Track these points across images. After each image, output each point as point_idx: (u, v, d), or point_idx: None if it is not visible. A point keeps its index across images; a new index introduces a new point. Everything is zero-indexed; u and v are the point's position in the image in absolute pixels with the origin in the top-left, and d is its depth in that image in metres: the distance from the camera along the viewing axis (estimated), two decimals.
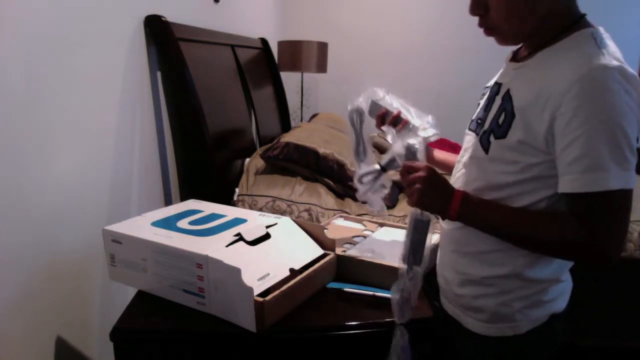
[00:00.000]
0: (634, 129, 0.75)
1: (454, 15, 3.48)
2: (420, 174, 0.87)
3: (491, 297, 0.91)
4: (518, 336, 0.90)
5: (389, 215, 1.75)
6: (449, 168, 1.09)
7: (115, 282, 1.10)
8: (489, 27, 0.87)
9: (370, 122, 1.13)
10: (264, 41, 2.86)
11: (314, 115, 3.00)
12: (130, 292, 1.07)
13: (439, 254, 1.04)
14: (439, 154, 1.16)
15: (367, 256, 1.13)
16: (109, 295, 1.33)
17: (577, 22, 0.83)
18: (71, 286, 1.18)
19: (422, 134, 0.98)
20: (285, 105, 2.97)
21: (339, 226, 1.39)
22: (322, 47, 3.12)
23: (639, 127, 0.76)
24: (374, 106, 1.10)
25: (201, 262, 0.93)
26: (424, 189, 0.86)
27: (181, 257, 0.95)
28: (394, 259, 1.11)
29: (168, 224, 1.09)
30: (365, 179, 1.07)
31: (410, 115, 1.05)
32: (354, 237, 1.29)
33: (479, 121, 0.94)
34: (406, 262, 0.94)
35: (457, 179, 0.97)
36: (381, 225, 1.39)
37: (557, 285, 0.91)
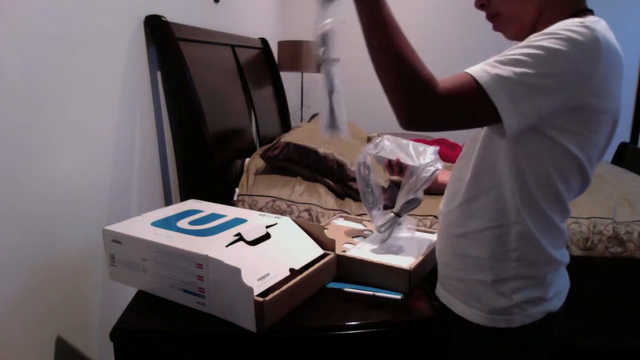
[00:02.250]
0: (560, 76, 0.73)
1: (454, 15, 3.49)
2: None
3: (489, 285, 0.90)
4: (512, 329, 0.89)
5: None
6: None
7: (115, 282, 1.10)
8: (493, 16, 0.89)
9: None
10: (264, 41, 2.86)
11: (314, 115, 2.99)
12: (130, 292, 1.07)
13: (437, 239, 1.04)
14: (445, 177, 1.15)
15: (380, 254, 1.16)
16: (109, 295, 1.33)
17: (580, 12, 0.82)
18: (71, 286, 1.18)
19: (424, 175, 1.11)
20: (285, 105, 2.97)
21: (339, 226, 1.39)
22: None
23: (570, 87, 0.74)
24: (378, 159, 1.20)
25: (201, 262, 0.92)
26: None
27: (181, 257, 0.95)
28: (393, 259, 1.11)
29: (168, 224, 1.09)
30: (384, 228, 1.16)
31: (410, 157, 1.14)
32: (354, 237, 1.29)
33: None
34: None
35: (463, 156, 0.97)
36: None
37: (555, 272, 0.91)
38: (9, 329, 0.97)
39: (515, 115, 0.74)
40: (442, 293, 1.00)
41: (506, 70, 0.74)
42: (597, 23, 0.77)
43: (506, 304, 0.89)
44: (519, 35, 0.89)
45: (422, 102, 0.76)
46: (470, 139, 0.97)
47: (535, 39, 0.75)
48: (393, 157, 1.17)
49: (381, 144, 1.20)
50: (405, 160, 1.15)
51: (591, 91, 0.75)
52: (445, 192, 1.01)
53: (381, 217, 1.17)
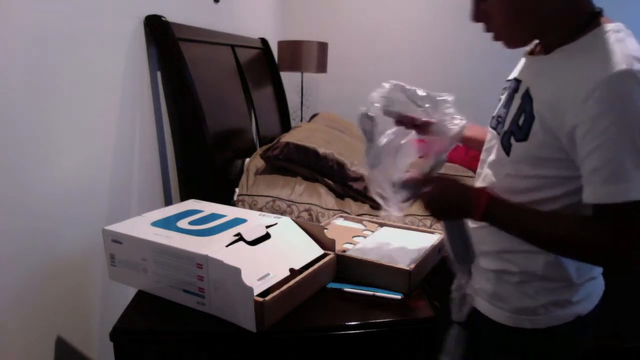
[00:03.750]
0: None
1: (454, 14, 3.48)
2: (430, 190, 0.88)
3: (513, 286, 0.90)
4: (538, 330, 0.88)
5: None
6: (480, 144, 1.03)
7: (115, 282, 1.10)
8: (494, 33, 0.86)
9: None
10: (264, 41, 2.86)
11: (314, 115, 2.99)
12: (130, 292, 1.07)
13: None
14: (468, 132, 1.08)
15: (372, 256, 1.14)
16: (109, 295, 1.33)
17: (594, 18, 0.79)
18: (71, 286, 1.18)
19: (451, 132, 0.97)
20: (285, 105, 2.97)
21: (339, 226, 1.39)
22: (322, 47, 3.12)
23: None
24: (387, 113, 1.04)
25: (201, 262, 0.92)
26: (436, 205, 0.88)
27: (181, 257, 0.95)
28: (393, 259, 1.11)
29: (168, 224, 1.09)
30: (405, 203, 1.02)
31: (426, 112, 1.00)
32: (354, 237, 1.29)
33: (499, 119, 0.92)
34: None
35: (483, 178, 0.96)
36: (381, 225, 1.39)
37: (582, 286, 0.89)
38: (9, 329, 0.97)
39: None
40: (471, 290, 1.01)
41: None
42: (628, 44, 0.74)
43: (531, 304, 0.88)
44: (522, 46, 0.88)
45: (620, 263, 0.78)
46: (489, 164, 0.94)
47: (616, 118, 0.71)
48: (404, 112, 1.03)
49: (391, 96, 1.01)
50: (421, 116, 1.01)
51: None
52: None
53: (386, 180, 1.02)
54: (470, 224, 0.95)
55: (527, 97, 0.84)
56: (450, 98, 1.01)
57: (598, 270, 0.92)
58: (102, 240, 1.07)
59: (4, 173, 0.94)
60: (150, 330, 0.96)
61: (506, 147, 0.86)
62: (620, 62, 0.71)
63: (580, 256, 0.82)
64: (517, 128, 0.84)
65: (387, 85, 1.02)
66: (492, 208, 0.83)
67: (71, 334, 1.18)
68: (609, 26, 0.78)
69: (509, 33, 0.85)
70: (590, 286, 0.90)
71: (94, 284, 1.27)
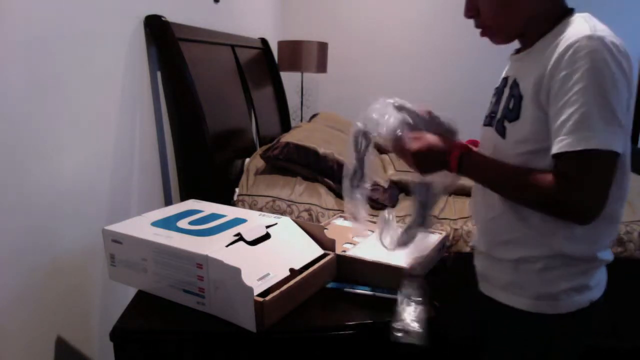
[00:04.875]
0: (623, 94, 0.79)
1: (453, 14, 3.47)
2: (410, 147, 0.92)
3: (534, 273, 0.92)
4: (558, 315, 0.92)
5: None
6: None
7: (115, 282, 1.10)
8: (482, 27, 0.95)
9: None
10: (264, 41, 2.86)
11: (314, 115, 2.99)
12: (130, 292, 1.07)
13: (477, 242, 1.06)
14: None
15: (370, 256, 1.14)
16: (109, 295, 1.33)
17: (567, 13, 0.89)
18: (71, 286, 1.18)
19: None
20: (285, 105, 2.97)
21: (339, 226, 1.39)
22: (322, 47, 3.12)
23: (627, 95, 0.80)
24: (400, 108, 0.98)
25: (201, 262, 0.92)
26: (420, 158, 0.92)
27: (181, 257, 0.95)
28: (393, 259, 1.11)
29: (168, 224, 1.09)
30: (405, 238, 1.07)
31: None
32: (354, 237, 1.29)
33: (492, 114, 0.99)
34: (413, 223, 1.03)
35: None
36: None
37: (599, 268, 0.93)
38: (9, 329, 0.97)
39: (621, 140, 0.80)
40: (485, 286, 1.02)
41: (605, 129, 0.77)
42: (598, 24, 0.82)
43: (553, 290, 0.91)
44: (506, 42, 0.96)
45: (574, 212, 0.83)
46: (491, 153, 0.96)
47: (585, 75, 0.77)
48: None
49: (387, 120, 0.95)
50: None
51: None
52: (476, 201, 1.02)
53: (362, 204, 1.04)
54: (489, 214, 0.98)
55: (514, 84, 0.92)
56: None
57: (608, 253, 0.95)
58: (102, 240, 1.07)
59: (5, 173, 0.94)
60: (150, 330, 0.95)
61: (501, 132, 0.93)
62: (586, 30, 0.80)
63: (538, 204, 0.87)
64: (508, 111, 0.91)
65: (381, 102, 1.00)
66: (465, 159, 0.90)
67: (71, 334, 1.18)
68: (579, 14, 0.88)
69: (496, 27, 0.94)
70: (602, 272, 0.95)
71: (94, 284, 1.27)
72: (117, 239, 1.04)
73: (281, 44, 3.10)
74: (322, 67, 3.14)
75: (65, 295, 1.16)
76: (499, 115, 0.95)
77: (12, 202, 0.97)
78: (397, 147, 0.95)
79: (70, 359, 1.18)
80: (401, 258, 1.12)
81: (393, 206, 1.82)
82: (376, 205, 1.78)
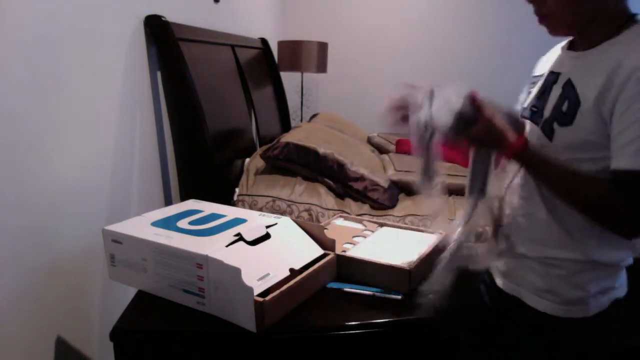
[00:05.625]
0: None
1: (453, 14, 3.48)
2: (488, 114, 0.91)
3: (564, 278, 0.93)
4: (588, 318, 0.93)
5: (389, 215, 1.75)
6: None
7: (115, 282, 1.10)
8: (544, 14, 0.90)
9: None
10: (264, 41, 2.86)
11: (314, 115, 2.99)
12: (130, 292, 1.07)
13: (503, 240, 1.04)
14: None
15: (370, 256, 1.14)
16: (109, 295, 1.33)
17: (632, 18, 0.88)
18: (71, 286, 1.18)
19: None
20: (285, 105, 2.97)
21: (339, 226, 1.39)
22: (322, 47, 3.12)
23: None
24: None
25: (201, 262, 0.93)
26: (480, 133, 0.91)
27: (181, 257, 0.95)
28: (393, 259, 1.11)
29: (168, 224, 1.09)
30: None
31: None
32: (354, 237, 1.29)
33: (534, 109, 0.97)
34: (470, 193, 0.98)
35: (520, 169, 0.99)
36: (381, 225, 1.39)
37: (622, 270, 0.95)
38: (9, 329, 0.97)
39: None
40: (509, 285, 1.02)
41: None
42: None
43: (583, 295, 0.92)
44: (565, 34, 0.93)
45: (626, 227, 0.85)
46: None
47: None
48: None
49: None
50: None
51: None
52: (510, 194, 1.02)
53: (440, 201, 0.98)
54: (524, 210, 0.97)
55: (570, 86, 0.89)
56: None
57: (631, 257, 0.96)
58: (102, 240, 1.07)
59: (5, 173, 0.94)
60: (150, 330, 0.96)
61: (548, 134, 0.91)
62: None
63: (593, 210, 0.88)
64: (560, 114, 0.89)
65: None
66: (525, 149, 0.90)
67: (71, 334, 1.18)
68: None
69: (561, 15, 0.89)
70: (624, 273, 0.97)
71: (94, 284, 1.27)
72: (117, 239, 1.04)
73: (281, 44, 3.10)
74: (322, 67, 3.14)
75: (65, 295, 1.16)
76: (547, 114, 0.93)
77: (12, 202, 0.97)
78: (468, 114, 0.91)
79: (70, 359, 1.18)
80: (401, 258, 1.12)
81: (393, 206, 1.82)
82: (376, 205, 1.78)
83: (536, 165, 0.91)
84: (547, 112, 0.93)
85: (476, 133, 0.92)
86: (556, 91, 0.92)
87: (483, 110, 0.91)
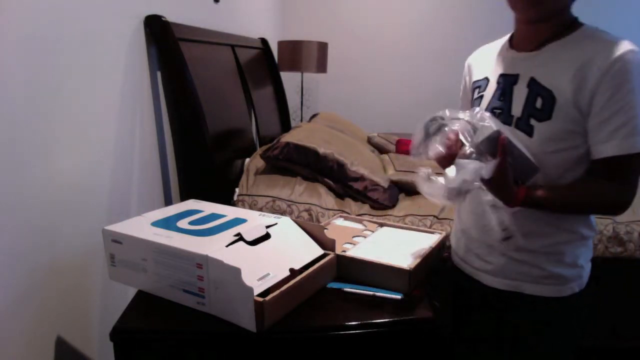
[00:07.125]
0: None
1: (454, 14, 3.48)
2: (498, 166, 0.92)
3: (561, 261, 1.00)
4: (579, 293, 1.02)
5: (389, 215, 1.75)
6: None
7: (115, 282, 1.10)
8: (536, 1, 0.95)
9: None
10: (264, 41, 2.86)
11: (314, 115, 3.00)
12: (130, 292, 1.07)
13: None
14: None
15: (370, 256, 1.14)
16: (109, 295, 1.33)
17: (576, 21, 0.96)
18: (71, 286, 1.18)
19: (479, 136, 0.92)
20: (285, 105, 2.97)
21: (339, 226, 1.39)
22: (322, 47, 3.12)
23: None
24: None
25: (201, 262, 0.93)
26: (491, 183, 0.92)
27: (181, 257, 0.95)
28: (393, 259, 1.11)
29: (168, 224, 1.09)
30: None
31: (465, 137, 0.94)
32: (354, 237, 1.29)
33: (497, 110, 1.00)
34: (523, 181, 0.97)
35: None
36: (381, 225, 1.39)
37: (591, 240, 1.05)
38: (9, 329, 0.97)
39: None
40: (503, 282, 1.05)
41: None
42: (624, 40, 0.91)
43: (579, 270, 1.02)
44: (537, 19, 0.96)
45: (623, 207, 0.95)
46: None
47: (633, 87, 0.88)
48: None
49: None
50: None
51: None
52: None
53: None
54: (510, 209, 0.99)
55: (536, 84, 0.94)
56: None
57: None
58: (102, 240, 1.07)
59: (4, 172, 0.94)
60: (150, 330, 0.95)
61: (526, 130, 0.95)
62: (628, 44, 0.89)
63: (597, 211, 1.02)
64: (535, 110, 0.94)
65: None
66: (527, 202, 0.94)
67: (71, 334, 1.18)
68: (592, 26, 0.96)
69: (549, 1, 0.94)
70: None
71: (94, 284, 1.27)
72: (117, 239, 1.04)
73: (281, 44, 3.10)
74: (322, 67, 3.14)
75: (65, 295, 1.16)
76: (516, 113, 0.97)
77: (12, 201, 0.96)
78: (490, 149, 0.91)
79: (70, 359, 1.18)
80: (401, 258, 1.12)
81: (393, 206, 1.82)
82: (376, 205, 1.78)
83: (538, 205, 0.95)
84: (515, 111, 0.97)
85: (488, 182, 0.92)
86: (520, 91, 0.97)
87: (504, 156, 0.89)
